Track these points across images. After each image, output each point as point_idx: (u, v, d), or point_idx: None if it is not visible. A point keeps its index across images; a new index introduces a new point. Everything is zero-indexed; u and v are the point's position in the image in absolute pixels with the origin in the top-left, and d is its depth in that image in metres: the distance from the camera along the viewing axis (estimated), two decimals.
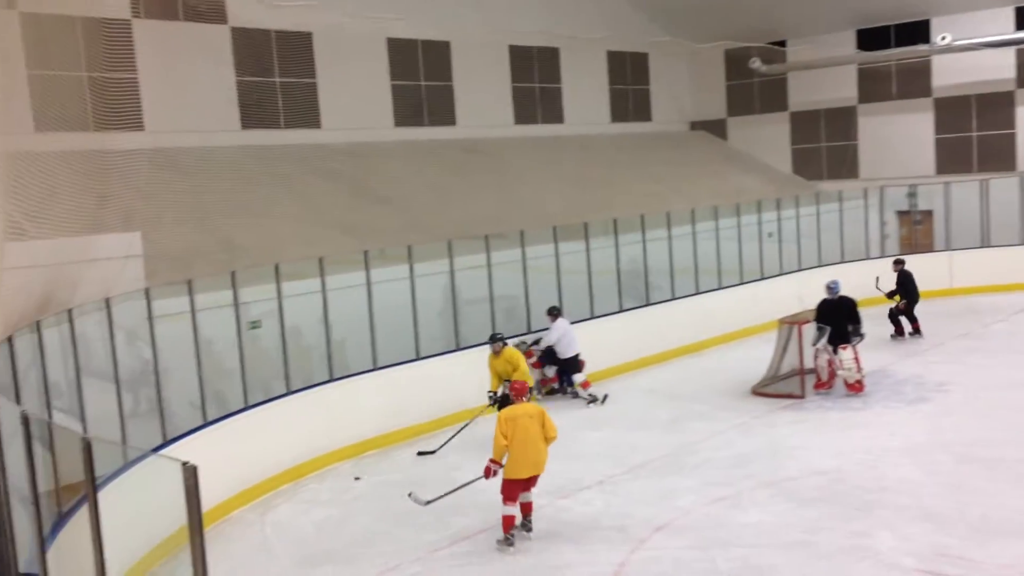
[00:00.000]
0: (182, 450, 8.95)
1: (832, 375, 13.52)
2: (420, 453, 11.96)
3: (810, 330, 13.75)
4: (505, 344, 12.70)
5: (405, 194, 19.75)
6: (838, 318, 13.41)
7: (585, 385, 14.16)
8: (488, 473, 8.93)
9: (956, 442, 10.96)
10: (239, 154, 19.26)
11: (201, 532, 4.04)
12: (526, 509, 9.06)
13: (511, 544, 8.77)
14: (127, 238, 10.92)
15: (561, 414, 13.50)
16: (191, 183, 17.22)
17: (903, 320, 16.88)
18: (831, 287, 13.69)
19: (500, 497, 8.92)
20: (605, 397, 14.05)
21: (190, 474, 3.94)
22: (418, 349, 13.27)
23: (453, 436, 12.11)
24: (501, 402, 11.77)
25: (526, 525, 9.04)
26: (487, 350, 12.78)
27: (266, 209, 17.33)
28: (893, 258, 18.04)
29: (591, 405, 13.86)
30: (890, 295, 16.91)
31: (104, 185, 11.85)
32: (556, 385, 14.49)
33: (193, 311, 10.68)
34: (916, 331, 16.80)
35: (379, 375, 12.58)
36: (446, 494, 9.76)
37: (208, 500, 9.38)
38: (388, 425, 12.47)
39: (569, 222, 17.05)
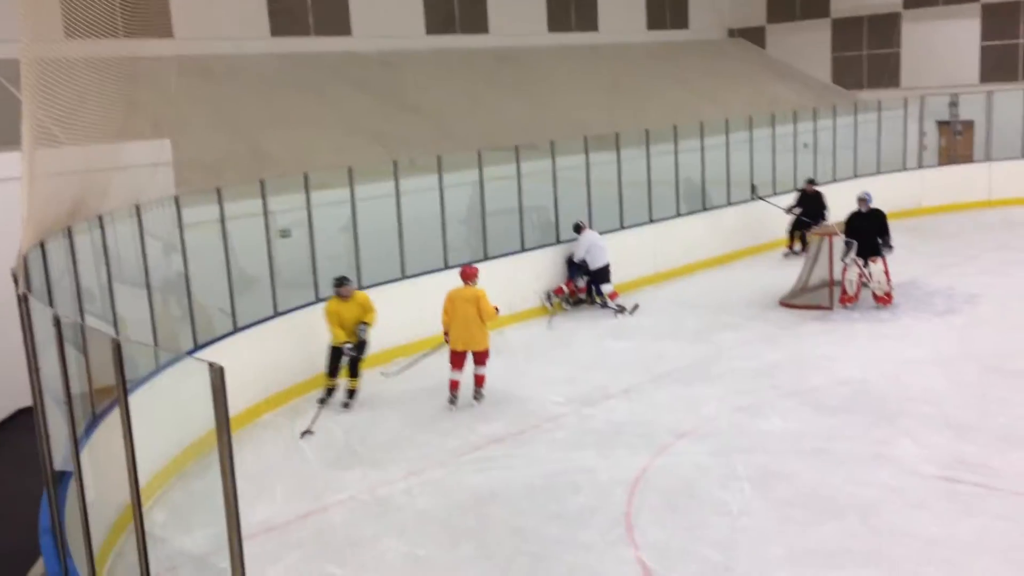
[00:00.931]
0: (212, 354, 9.16)
1: (859, 289, 13.42)
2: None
3: (840, 242, 13.63)
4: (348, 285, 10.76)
5: (436, 103, 19.60)
6: (868, 231, 13.25)
7: (613, 296, 14.21)
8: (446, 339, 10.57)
9: (983, 353, 10.90)
10: (269, 62, 19.17)
11: (228, 431, 4.14)
12: (478, 381, 10.54)
13: (453, 403, 10.35)
14: (156, 145, 10.97)
15: (589, 324, 13.66)
16: (221, 91, 17.20)
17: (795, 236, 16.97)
18: (863, 199, 13.48)
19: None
20: (636, 307, 14.09)
21: (217, 374, 4.01)
22: (446, 259, 13.33)
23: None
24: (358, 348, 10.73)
25: (478, 394, 10.53)
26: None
27: (296, 118, 17.32)
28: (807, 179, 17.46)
29: (619, 316, 13.93)
30: (789, 210, 16.86)
31: (133, 92, 11.84)
32: (584, 295, 14.54)
33: (223, 219, 10.77)
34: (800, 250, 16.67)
35: (406, 284, 12.69)
36: (408, 366, 11.35)
37: (238, 404, 9.70)
38: (415, 334, 12.61)
39: (601, 132, 16.85)
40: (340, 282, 10.59)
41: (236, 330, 10.50)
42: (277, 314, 11.10)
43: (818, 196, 16.78)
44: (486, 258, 13.75)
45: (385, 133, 17.29)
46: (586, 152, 15.37)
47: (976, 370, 10.40)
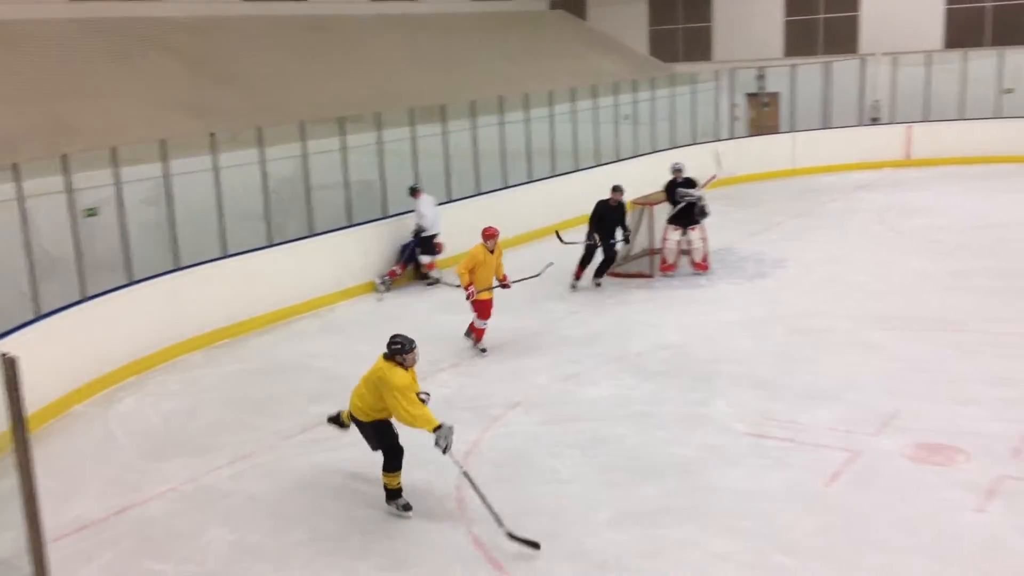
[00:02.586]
0: (12, 344, 8.53)
1: (679, 257, 13.98)
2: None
3: (661, 210, 14.13)
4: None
5: (252, 74, 18.93)
6: (678, 199, 13.79)
7: (431, 266, 14.19)
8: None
9: (789, 315, 11.59)
10: (69, 28, 17.95)
11: (23, 426, 3.89)
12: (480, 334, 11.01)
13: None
14: None
15: (421, 298, 13.61)
16: (15, 59, 16.00)
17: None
18: (678, 168, 14.00)
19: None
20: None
21: (9, 365, 3.75)
22: (270, 236, 12.96)
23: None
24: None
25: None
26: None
27: (101, 88, 16.32)
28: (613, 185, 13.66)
29: (430, 287, 13.97)
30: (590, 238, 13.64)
31: None
32: (432, 272, 14.31)
33: (21, 197, 10.04)
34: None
35: (229, 263, 12.25)
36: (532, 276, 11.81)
37: (44, 395, 9.10)
38: (240, 314, 12.23)
39: (426, 104, 16.75)
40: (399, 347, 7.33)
41: (39, 317, 9.83)
42: (86, 299, 10.48)
43: (621, 207, 13.53)
44: (312, 234, 13.46)
45: (199, 105, 16.54)
46: (411, 124, 15.25)
47: (782, 331, 11.04)
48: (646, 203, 14.46)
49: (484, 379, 10.18)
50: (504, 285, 11.06)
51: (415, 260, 14.27)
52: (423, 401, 7.34)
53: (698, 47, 28.42)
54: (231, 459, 8.48)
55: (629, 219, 13.66)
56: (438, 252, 14.24)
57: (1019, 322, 10.80)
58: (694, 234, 13.80)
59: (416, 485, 7.66)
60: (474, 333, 11.10)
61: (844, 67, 23.63)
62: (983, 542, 6.36)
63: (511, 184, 16.87)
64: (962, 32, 24.48)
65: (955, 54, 22.95)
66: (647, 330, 11.46)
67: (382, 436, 7.39)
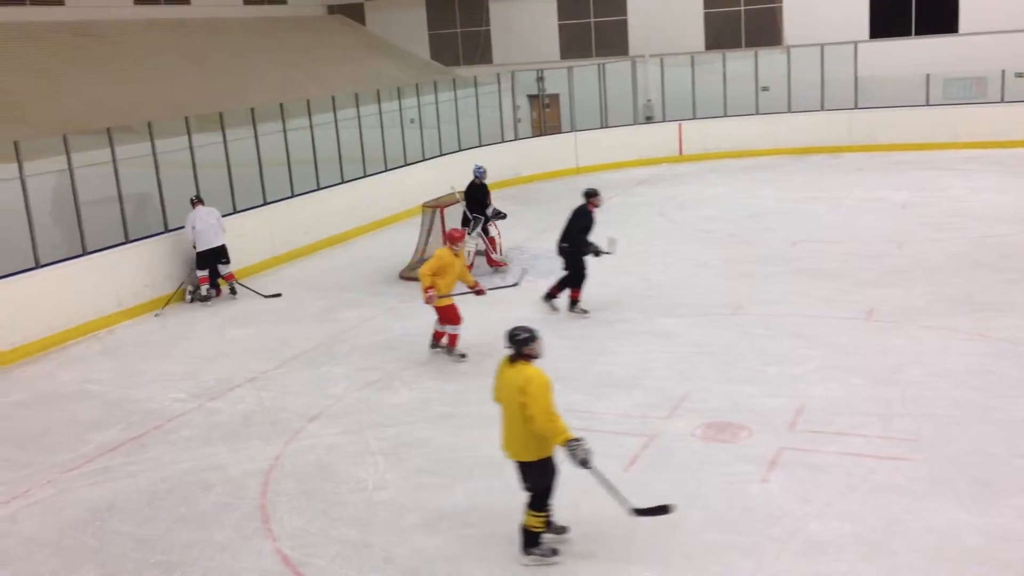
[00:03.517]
0: None
1: (474, 257, 14.14)
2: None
3: (452, 213, 14.24)
4: None
5: (6, 83, 17.51)
6: (483, 200, 13.99)
7: (229, 277, 13.68)
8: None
9: (584, 307, 11.95)
10: None
11: None
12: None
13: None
14: None
15: (208, 313, 13.05)
16: None
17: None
18: (477, 172, 14.20)
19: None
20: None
21: None
22: (37, 257, 12.01)
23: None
24: None
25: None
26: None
27: None
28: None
29: (204, 301, 13.52)
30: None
31: None
32: (208, 287, 13.69)
33: None
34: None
35: None
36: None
37: None
38: (8, 341, 11.28)
39: (202, 112, 16.06)
40: (528, 336, 6.44)
41: None
42: None
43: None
44: (84, 252, 12.60)
45: None
46: (188, 133, 14.59)
47: (578, 325, 11.38)
48: (437, 206, 14.52)
49: (282, 392, 9.88)
50: (478, 292, 10.59)
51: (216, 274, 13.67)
52: None
53: (478, 50, 28.88)
54: (4, 500, 7.79)
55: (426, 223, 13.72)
56: (226, 263, 13.65)
57: (787, 304, 11.64)
58: (492, 232, 14.07)
59: (215, 509, 7.32)
60: (446, 340, 10.57)
61: (618, 69, 24.72)
62: (769, 510, 6.80)
63: (298, 193, 16.46)
64: (720, 35, 26.18)
65: (715, 55, 24.50)
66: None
67: (549, 474, 6.29)
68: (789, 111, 23.34)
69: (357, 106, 18.38)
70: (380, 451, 8.25)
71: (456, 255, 10.36)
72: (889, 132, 22.53)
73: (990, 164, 20.22)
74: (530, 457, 6.16)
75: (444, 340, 10.61)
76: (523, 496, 6.40)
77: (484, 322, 11.03)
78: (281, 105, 16.49)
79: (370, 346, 11.19)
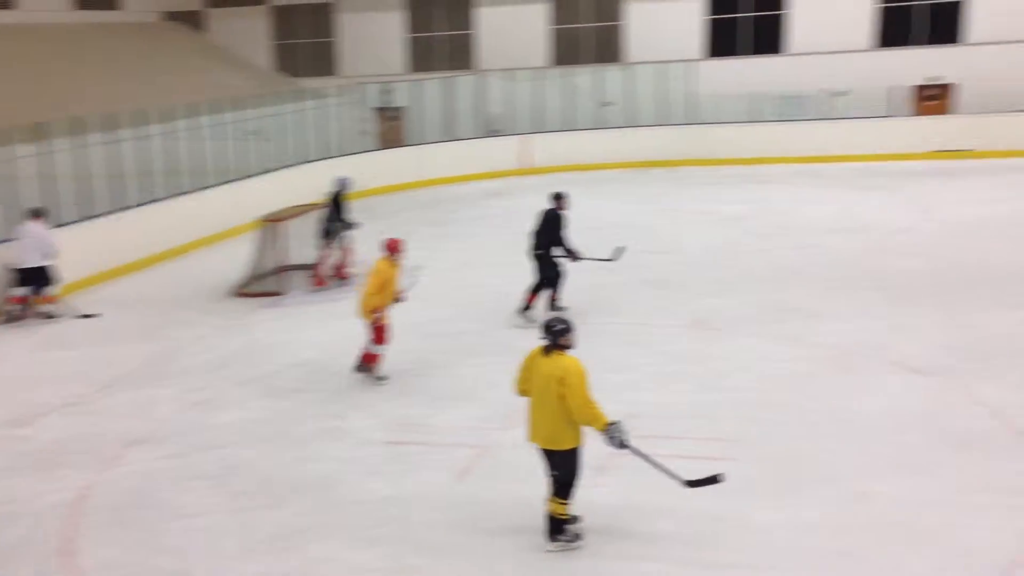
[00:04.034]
0: None
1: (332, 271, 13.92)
2: None
3: (292, 227, 13.91)
4: None
5: None
6: (341, 212, 13.80)
7: (45, 300, 12.82)
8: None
9: (424, 322, 11.78)
10: None
11: None
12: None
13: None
14: None
15: (20, 335, 12.21)
16: None
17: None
18: (343, 183, 13.98)
19: None
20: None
21: None
22: None
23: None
24: None
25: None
26: None
27: None
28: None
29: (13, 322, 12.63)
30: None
31: None
32: (22, 306, 12.76)
33: None
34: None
35: None
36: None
37: None
38: None
39: (22, 122, 15.14)
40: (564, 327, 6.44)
41: None
42: None
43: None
44: None
45: None
46: (6, 144, 13.70)
47: (416, 338, 11.13)
48: (276, 220, 14.12)
49: (100, 417, 9.32)
50: (397, 299, 9.84)
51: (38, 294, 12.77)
52: None
53: (323, 62, 28.43)
54: None
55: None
56: (47, 284, 12.81)
57: (632, 314, 11.87)
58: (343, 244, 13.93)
59: (16, 544, 6.82)
60: (368, 362, 9.79)
61: (464, 83, 24.81)
62: (604, 513, 6.84)
63: (129, 205, 15.69)
64: (565, 52, 26.67)
65: (560, 71, 24.94)
66: (280, 349, 11.16)
67: (578, 463, 6.42)
68: (630, 126, 23.97)
69: (194, 116, 17.74)
70: (204, 475, 7.88)
71: (394, 265, 9.68)
72: (725, 147, 23.45)
73: (815, 177, 21.33)
74: (563, 446, 6.33)
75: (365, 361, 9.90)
76: (359, 513, 6.21)
77: (327, 337, 10.76)
78: (109, 115, 15.72)
79: (199, 365, 10.72)
